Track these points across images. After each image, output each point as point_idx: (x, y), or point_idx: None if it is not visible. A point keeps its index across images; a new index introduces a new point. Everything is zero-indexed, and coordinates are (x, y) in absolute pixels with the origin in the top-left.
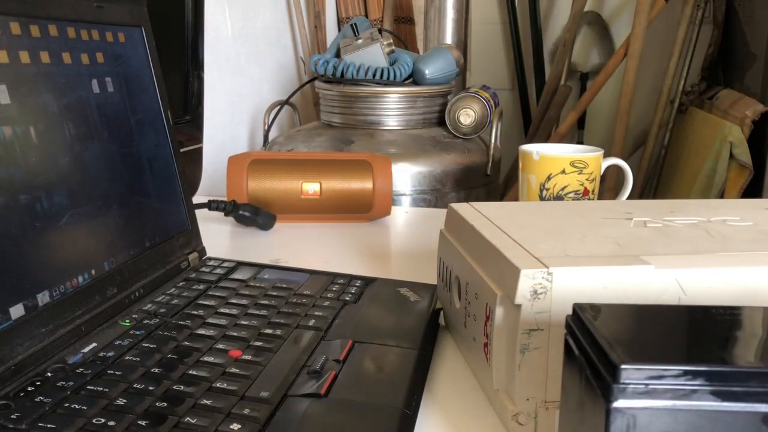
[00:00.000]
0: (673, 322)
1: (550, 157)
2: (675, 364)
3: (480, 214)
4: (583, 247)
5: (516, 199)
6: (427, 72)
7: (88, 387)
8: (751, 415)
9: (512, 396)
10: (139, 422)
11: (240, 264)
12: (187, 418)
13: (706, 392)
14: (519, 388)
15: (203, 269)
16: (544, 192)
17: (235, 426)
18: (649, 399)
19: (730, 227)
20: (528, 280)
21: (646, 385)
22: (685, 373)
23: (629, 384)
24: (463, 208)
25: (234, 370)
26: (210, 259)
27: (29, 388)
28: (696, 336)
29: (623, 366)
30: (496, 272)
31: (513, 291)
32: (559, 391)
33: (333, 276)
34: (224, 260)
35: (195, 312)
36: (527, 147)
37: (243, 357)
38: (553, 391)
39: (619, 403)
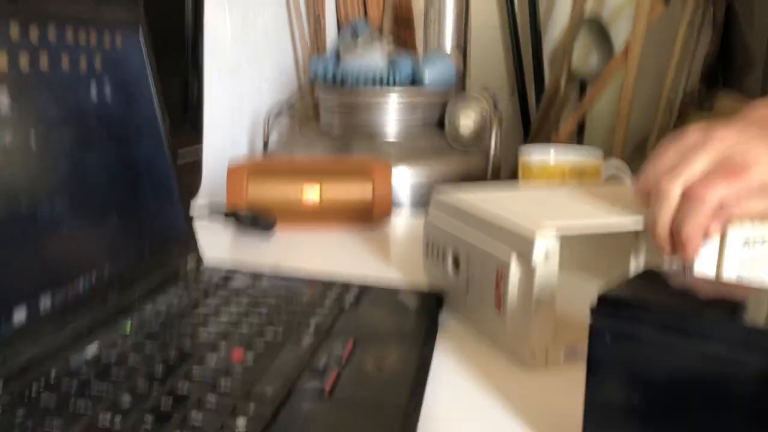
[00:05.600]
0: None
1: (549, 165)
2: (642, 301)
3: (467, 197)
4: (570, 219)
5: None
6: (426, 77)
7: (93, 387)
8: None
9: (528, 339)
10: (144, 422)
11: (237, 271)
12: (193, 416)
13: (655, 324)
14: (533, 332)
15: (201, 275)
16: None
17: (241, 425)
18: (617, 322)
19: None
20: (541, 246)
21: (617, 313)
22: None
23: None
24: (449, 196)
25: (237, 370)
26: (207, 266)
27: (34, 389)
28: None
29: (600, 294)
30: (506, 242)
31: (529, 254)
32: (565, 330)
33: (331, 282)
34: (222, 267)
35: (195, 317)
36: (527, 152)
37: (245, 358)
38: (560, 330)
39: (598, 322)
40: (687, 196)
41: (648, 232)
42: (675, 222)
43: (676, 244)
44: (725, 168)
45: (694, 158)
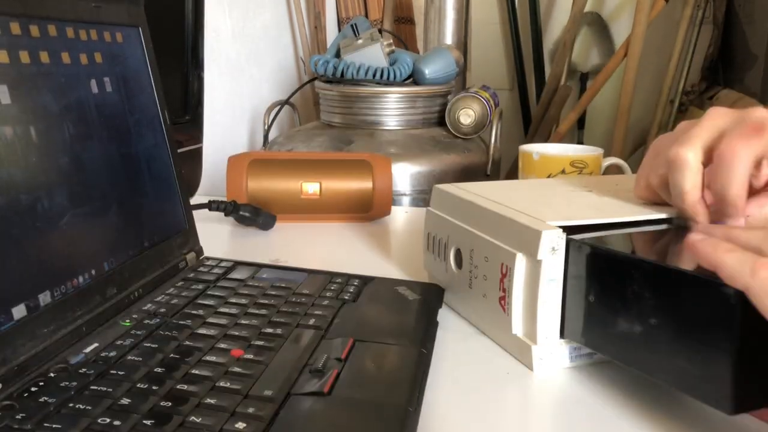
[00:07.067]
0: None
1: (550, 157)
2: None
3: (469, 192)
4: (573, 212)
5: None
6: (427, 72)
7: (92, 387)
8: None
9: (533, 337)
10: (144, 422)
11: (238, 263)
12: (192, 417)
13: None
14: (540, 330)
15: (201, 269)
16: None
17: (241, 425)
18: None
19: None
20: (548, 240)
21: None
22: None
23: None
24: (452, 188)
25: (236, 369)
26: (207, 258)
27: (33, 389)
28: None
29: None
30: (512, 236)
31: (535, 250)
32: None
33: (331, 275)
34: (222, 260)
35: (195, 312)
36: (527, 147)
37: (245, 356)
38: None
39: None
40: (720, 158)
41: (678, 205)
42: (715, 188)
43: (720, 209)
44: (745, 125)
45: (697, 127)
